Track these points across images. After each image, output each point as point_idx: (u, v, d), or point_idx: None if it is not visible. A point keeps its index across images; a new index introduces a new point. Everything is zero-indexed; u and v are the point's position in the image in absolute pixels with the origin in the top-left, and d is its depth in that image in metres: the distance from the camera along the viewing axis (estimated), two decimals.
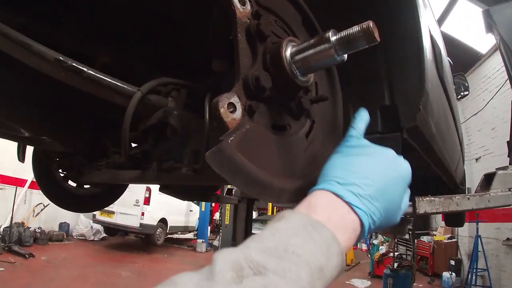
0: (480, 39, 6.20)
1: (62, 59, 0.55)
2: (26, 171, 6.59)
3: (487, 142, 6.40)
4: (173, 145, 0.70)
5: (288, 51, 0.46)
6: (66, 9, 0.77)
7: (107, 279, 5.11)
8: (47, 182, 1.44)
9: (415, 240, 7.87)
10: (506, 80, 5.14)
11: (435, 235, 7.91)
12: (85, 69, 0.57)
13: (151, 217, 8.06)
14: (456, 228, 6.85)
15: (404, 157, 0.48)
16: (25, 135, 1.06)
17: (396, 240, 6.39)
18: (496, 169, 1.64)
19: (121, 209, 7.69)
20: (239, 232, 3.03)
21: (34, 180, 1.49)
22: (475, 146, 6.89)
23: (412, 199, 1.07)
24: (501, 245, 5.68)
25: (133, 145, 0.92)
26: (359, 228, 0.40)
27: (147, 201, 7.96)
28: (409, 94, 0.83)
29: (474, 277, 5.69)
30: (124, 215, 7.83)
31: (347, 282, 6.58)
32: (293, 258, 0.30)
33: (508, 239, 5.55)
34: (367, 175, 0.42)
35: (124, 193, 1.79)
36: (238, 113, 0.41)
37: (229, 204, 3.50)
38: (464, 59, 6.67)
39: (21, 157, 1.35)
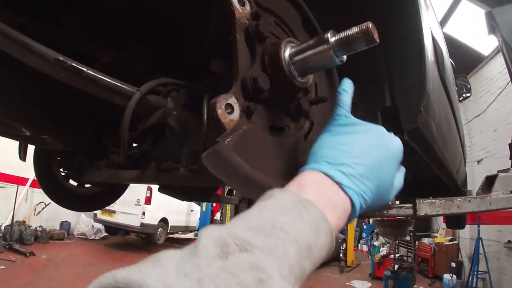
0: (482, 41, 6.18)
1: (61, 59, 0.55)
2: (27, 169, 6.61)
3: (489, 144, 6.37)
4: (172, 145, 0.70)
5: (287, 52, 0.46)
6: (66, 9, 0.77)
7: None
8: (48, 181, 1.44)
9: (416, 242, 7.86)
10: (509, 82, 5.12)
11: (436, 237, 7.88)
12: (84, 69, 0.57)
13: (152, 217, 8.07)
14: (457, 230, 6.83)
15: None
16: (26, 134, 1.07)
17: (397, 241, 6.37)
18: (498, 171, 1.63)
19: (122, 209, 7.71)
20: None
21: (36, 178, 1.50)
22: (477, 148, 6.86)
23: (412, 201, 1.07)
24: (503, 248, 5.65)
25: (135, 145, 0.92)
26: (349, 208, 0.39)
27: (148, 200, 7.97)
28: (410, 96, 0.83)
29: (475, 280, 5.67)
30: (125, 215, 7.85)
31: (348, 284, 6.56)
32: (281, 235, 0.29)
33: (509, 241, 5.53)
34: (357, 154, 0.41)
35: (125, 192, 1.79)
36: (236, 114, 0.40)
37: (230, 205, 3.50)
38: (466, 61, 6.64)
39: (23, 155, 1.35)
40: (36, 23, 0.72)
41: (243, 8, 0.46)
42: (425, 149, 0.99)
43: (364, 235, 12.56)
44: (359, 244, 12.23)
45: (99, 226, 8.53)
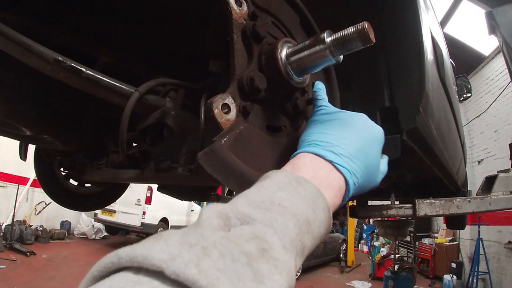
0: (483, 41, 6.16)
1: (61, 59, 0.56)
2: (28, 169, 6.64)
3: (490, 144, 6.36)
4: (170, 145, 0.70)
5: (283, 52, 0.46)
6: (66, 9, 0.77)
7: None
8: (48, 180, 1.45)
9: (416, 242, 7.85)
10: (509, 83, 5.12)
11: (437, 238, 7.87)
12: (83, 69, 0.57)
13: (152, 217, 8.07)
14: (458, 230, 6.82)
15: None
16: (26, 134, 1.07)
17: (397, 242, 6.36)
18: (498, 171, 1.63)
19: (122, 208, 7.72)
20: None
21: (36, 178, 1.50)
22: (478, 149, 6.85)
23: (412, 201, 1.07)
24: (503, 248, 5.64)
25: (135, 145, 0.93)
26: (344, 186, 0.40)
27: (148, 200, 7.98)
28: (409, 96, 0.83)
29: (475, 280, 5.66)
30: (126, 214, 7.86)
31: (348, 284, 6.56)
32: (280, 210, 0.30)
33: (509, 242, 5.52)
34: (345, 136, 0.43)
35: (126, 192, 1.79)
36: (232, 114, 0.41)
37: None
38: (467, 61, 6.64)
39: (23, 155, 1.36)
40: (36, 23, 0.73)
41: (240, 8, 0.47)
42: (424, 149, 0.99)
43: (364, 235, 12.55)
44: (359, 245, 12.22)
45: (100, 225, 8.53)
